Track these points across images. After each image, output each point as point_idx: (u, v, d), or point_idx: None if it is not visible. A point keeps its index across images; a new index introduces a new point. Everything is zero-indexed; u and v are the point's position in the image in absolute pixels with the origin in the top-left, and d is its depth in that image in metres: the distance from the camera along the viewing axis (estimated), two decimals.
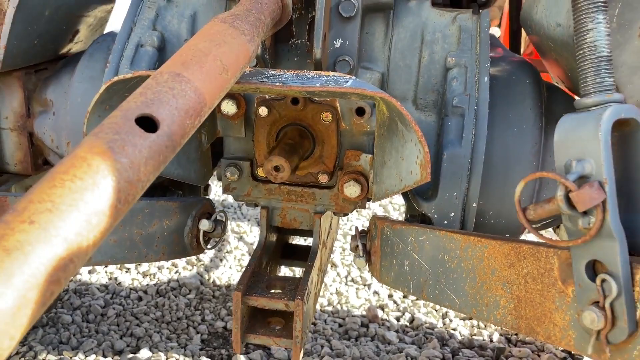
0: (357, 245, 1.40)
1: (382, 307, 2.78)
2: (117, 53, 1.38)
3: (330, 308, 2.77)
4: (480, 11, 1.40)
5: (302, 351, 1.28)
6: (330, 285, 2.95)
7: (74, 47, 1.65)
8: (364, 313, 2.74)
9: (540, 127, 1.34)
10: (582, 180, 0.77)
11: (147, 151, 0.67)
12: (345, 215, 1.47)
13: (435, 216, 1.28)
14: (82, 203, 0.58)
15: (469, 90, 1.29)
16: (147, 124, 0.70)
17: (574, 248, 0.86)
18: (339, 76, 1.07)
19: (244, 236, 3.43)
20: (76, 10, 1.49)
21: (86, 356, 2.28)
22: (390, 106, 1.06)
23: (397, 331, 2.59)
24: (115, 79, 1.02)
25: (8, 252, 0.51)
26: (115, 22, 1.66)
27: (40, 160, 1.59)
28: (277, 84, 1.03)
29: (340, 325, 2.62)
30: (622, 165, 0.87)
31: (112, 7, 1.64)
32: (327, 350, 2.37)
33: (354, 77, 1.08)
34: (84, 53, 1.52)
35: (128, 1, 1.47)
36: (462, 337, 2.55)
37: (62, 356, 2.27)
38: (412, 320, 2.68)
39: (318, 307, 2.78)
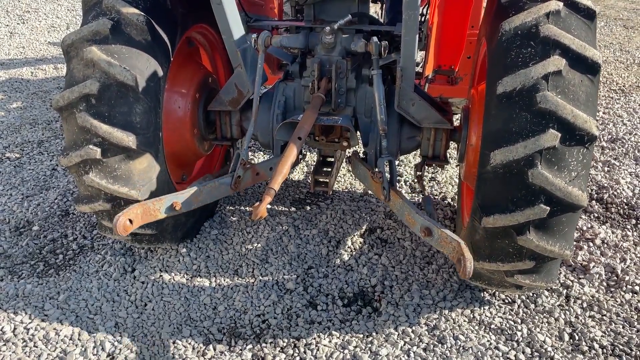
0: None
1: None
2: (274, 104, 3.56)
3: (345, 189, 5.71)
4: None
5: (332, 189, 3.64)
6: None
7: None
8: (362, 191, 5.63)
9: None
10: None
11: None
12: (343, 151, 3.95)
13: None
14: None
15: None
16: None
17: None
18: (337, 118, 3.36)
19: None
20: None
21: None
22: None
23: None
24: (287, 121, 3.35)
25: None
26: None
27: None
28: (324, 120, 3.33)
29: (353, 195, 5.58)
30: None
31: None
32: (343, 205, 5.32)
33: (341, 117, 3.34)
34: (260, 102, 3.44)
35: None
36: None
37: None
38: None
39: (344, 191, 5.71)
